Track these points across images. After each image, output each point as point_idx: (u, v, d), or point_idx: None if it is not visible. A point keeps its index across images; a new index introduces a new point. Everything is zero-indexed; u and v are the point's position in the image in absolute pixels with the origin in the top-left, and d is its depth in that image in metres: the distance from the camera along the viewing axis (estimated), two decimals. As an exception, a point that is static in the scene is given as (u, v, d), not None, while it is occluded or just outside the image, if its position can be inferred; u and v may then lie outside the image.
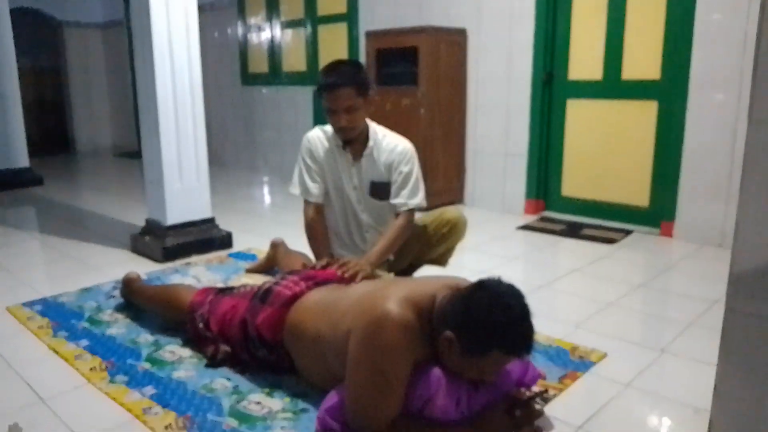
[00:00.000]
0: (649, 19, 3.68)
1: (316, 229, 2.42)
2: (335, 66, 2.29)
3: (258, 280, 2.78)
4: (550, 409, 1.75)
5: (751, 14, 3.16)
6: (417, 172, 2.41)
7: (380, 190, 2.41)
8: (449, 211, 2.54)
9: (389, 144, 2.40)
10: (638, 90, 3.79)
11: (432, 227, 2.51)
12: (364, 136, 2.39)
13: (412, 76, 4.36)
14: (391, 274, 2.57)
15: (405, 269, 2.63)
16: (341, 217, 2.50)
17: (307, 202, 2.46)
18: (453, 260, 2.64)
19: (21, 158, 5.65)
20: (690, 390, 1.87)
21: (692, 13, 3.39)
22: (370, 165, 2.40)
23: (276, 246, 2.93)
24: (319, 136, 2.45)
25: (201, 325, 2.08)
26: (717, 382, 1.44)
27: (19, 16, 6.23)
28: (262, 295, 1.93)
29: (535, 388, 1.80)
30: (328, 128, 2.44)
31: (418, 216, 2.59)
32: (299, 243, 2.65)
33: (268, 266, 2.98)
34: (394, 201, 2.39)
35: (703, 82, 3.41)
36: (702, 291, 2.74)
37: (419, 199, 2.40)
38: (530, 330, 1.46)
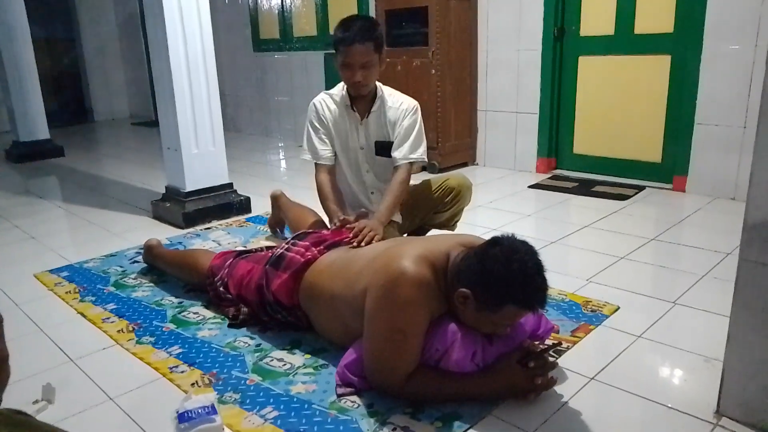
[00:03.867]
0: (665, -31, 3.59)
1: (328, 191, 2.43)
2: (352, 21, 2.28)
3: (275, 242, 2.85)
4: (564, 361, 1.79)
5: (770, -40, 3.07)
6: (419, 127, 2.42)
7: (385, 148, 2.44)
8: (453, 178, 2.55)
9: (395, 102, 2.42)
10: (651, 44, 3.73)
11: (436, 194, 2.54)
12: (372, 95, 2.41)
13: (422, 36, 4.32)
14: (404, 236, 2.61)
15: (415, 233, 2.66)
16: (349, 177, 2.54)
17: (318, 165, 2.48)
18: (466, 218, 2.67)
19: (41, 130, 5.73)
20: (702, 340, 1.90)
21: (709, -39, 3.30)
22: (376, 123, 2.43)
23: (276, 198, 2.97)
24: (325, 99, 2.47)
25: (221, 288, 2.14)
26: (730, 330, 1.47)
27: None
28: (275, 261, 1.97)
29: (549, 341, 1.84)
30: (334, 91, 2.47)
31: (424, 179, 2.61)
32: (314, 204, 2.68)
33: (277, 220, 3.05)
34: (394, 154, 2.41)
35: (717, 33, 3.35)
36: (715, 244, 2.75)
37: (419, 153, 2.41)
38: (544, 284, 1.48)
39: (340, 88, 2.46)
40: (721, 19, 3.32)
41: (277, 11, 6.23)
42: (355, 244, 1.99)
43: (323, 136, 2.46)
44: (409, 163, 2.40)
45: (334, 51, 2.32)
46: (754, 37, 3.20)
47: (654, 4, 3.68)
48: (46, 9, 7.96)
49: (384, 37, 2.36)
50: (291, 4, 6.07)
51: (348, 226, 2.12)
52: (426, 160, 2.47)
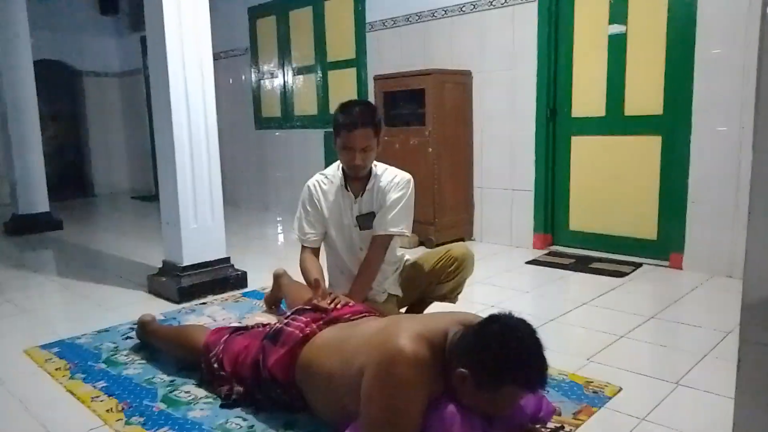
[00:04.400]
0: (650, 55, 3.76)
1: (309, 266, 2.44)
2: (352, 106, 2.35)
3: (271, 318, 2.81)
4: (565, 444, 1.74)
5: (749, 47, 3.23)
6: (407, 201, 2.43)
7: (366, 220, 2.45)
8: (456, 248, 2.56)
9: (388, 177, 2.46)
10: (642, 125, 3.85)
11: (438, 265, 2.53)
12: (367, 174, 2.45)
13: (419, 116, 4.46)
14: (402, 310, 2.59)
15: (416, 306, 2.65)
16: (344, 256, 2.52)
17: (303, 246, 2.52)
18: (463, 293, 2.65)
19: (41, 203, 5.78)
20: (707, 423, 1.85)
21: (692, 48, 3.46)
22: (369, 201, 2.45)
23: (278, 277, 2.98)
24: (320, 180, 2.51)
25: (215, 365, 2.10)
26: (735, 415, 1.43)
27: (41, 66, 6.46)
28: (273, 336, 1.95)
29: (551, 424, 1.79)
30: (329, 171, 2.52)
31: (425, 251, 2.61)
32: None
33: (275, 297, 3.03)
34: (374, 223, 2.42)
35: (705, 115, 3.47)
36: (714, 322, 2.73)
37: (401, 227, 2.41)
38: (544, 363, 1.46)
39: (335, 168, 2.51)
40: (707, 101, 3.45)
41: (279, 91, 6.45)
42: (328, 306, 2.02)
43: (312, 220, 2.49)
44: (388, 235, 2.40)
45: (333, 132, 2.38)
46: (739, 119, 3.32)
47: (643, 87, 3.83)
48: (54, 86, 8.23)
49: (382, 120, 2.44)
50: (293, 84, 6.29)
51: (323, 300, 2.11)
52: (408, 234, 2.46)
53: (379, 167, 2.49)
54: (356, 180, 2.44)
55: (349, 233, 2.50)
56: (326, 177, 2.51)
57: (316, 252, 2.52)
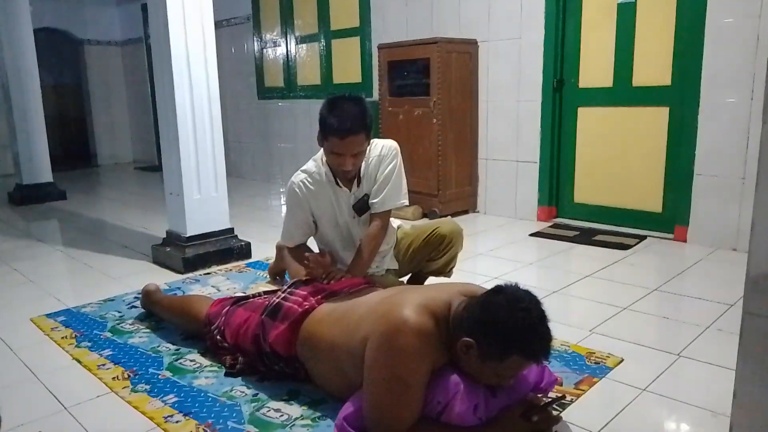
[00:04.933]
0: (659, 24, 3.69)
1: (286, 253, 2.43)
2: (343, 108, 2.12)
3: (275, 289, 2.82)
4: (568, 415, 1.76)
5: (763, 16, 3.16)
6: (398, 172, 2.35)
7: (362, 205, 2.38)
8: (443, 227, 2.51)
9: (374, 152, 2.34)
10: (649, 96, 3.80)
11: (428, 242, 2.50)
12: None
13: (424, 86, 4.41)
14: (404, 280, 2.59)
15: (414, 279, 2.65)
16: (341, 251, 2.47)
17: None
18: (467, 266, 2.66)
19: (44, 173, 5.78)
20: (708, 394, 1.86)
21: (703, 18, 3.39)
22: (365, 185, 2.37)
23: (281, 249, 2.96)
24: (304, 180, 2.35)
25: (218, 337, 2.12)
26: (736, 386, 1.43)
27: (41, 34, 6.40)
28: (272, 311, 1.95)
29: (552, 394, 1.81)
30: (312, 168, 2.36)
31: (416, 224, 2.57)
32: (315, 251, 2.67)
33: (279, 268, 3.04)
34: (371, 202, 2.36)
35: (714, 86, 3.41)
36: (718, 294, 2.73)
37: (400, 200, 2.37)
38: (548, 334, 1.47)
39: (318, 163, 2.36)
40: (717, 72, 3.39)
41: (282, 60, 6.37)
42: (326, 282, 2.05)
43: (300, 222, 2.41)
44: (387, 212, 2.37)
45: (320, 130, 2.20)
46: (749, 89, 3.27)
47: (651, 57, 3.77)
48: (56, 56, 8.17)
49: (372, 119, 2.25)
50: (296, 53, 6.21)
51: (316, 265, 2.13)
52: (407, 203, 2.42)
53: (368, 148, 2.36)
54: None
55: (346, 227, 2.42)
56: (310, 176, 2.35)
57: (303, 245, 2.48)
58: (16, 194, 5.70)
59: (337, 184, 2.33)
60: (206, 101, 3.36)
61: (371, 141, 2.32)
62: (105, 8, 8.56)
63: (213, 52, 3.37)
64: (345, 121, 2.10)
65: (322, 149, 2.29)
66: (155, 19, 3.27)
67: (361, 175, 2.34)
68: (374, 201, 2.35)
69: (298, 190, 2.35)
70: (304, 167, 2.40)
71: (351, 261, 2.37)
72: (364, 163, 2.32)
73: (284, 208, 2.47)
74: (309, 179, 2.35)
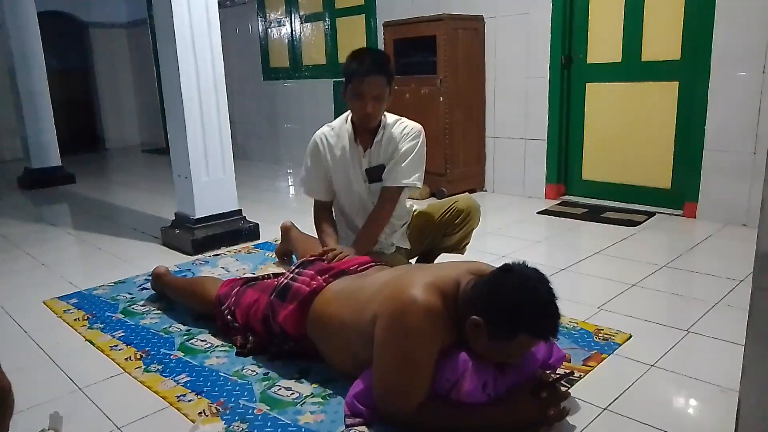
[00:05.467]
0: (670, -2, 3.62)
1: (322, 224, 2.43)
2: (365, 54, 2.26)
3: (283, 270, 2.84)
4: (576, 391, 1.76)
5: (776, -11, 3.10)
6: (418, 152, 2.35)
7: (376, 173, 2.39)
8: (461, 201, 2.52)
9: (399, 127, 2.37)
10: (658, 71, 3.74)
11: (445, 217, 2.51)
12: (377, 125, 2.36)
13: (430, 64, 4.36)
14: (412, 261, 2.60)
15: (424, 257, 2.65)
16: (352, 211, 2.48)
17: (316, 202, 2.49)
18: (475, 244, 2.65)
19: (53, 157, 5.81)
20: (716, 369, 1.87)
21: (714, -10, 3.33)
22: (378, 152, 2.37)
23: (287, 230, 2.97)
24: (328, 133, 2.42)
25: (228, 317, 2.14)
26: (745, 361, 1.43)
27: (46, 18, 6.37)
28: (281, 292, 1.96)
29: (561, 370, 1.81)
30: (336, 123, 2.43)
31: (432, 203, 2.59)
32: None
33: (286, 249, 3.05)
34: (384, 176, 2.36)
35: (725, 60, 3.36)
36: (727, 270, 2.72)
37: (413, 179, 2.35)
38: (556, 313, 1.47)
39: (342, 120, 2.41)
40: (727, 46, 3.34)
41: (287, 41, 6.33)
42: (326, 262, 2.06)
43: (320, 174, 2.44)
44: (398, 188, 2.35)
45: (344, 82, 2.29)
46: (761, 63, 3.22)
47: (661, 31, 3.71)
48: (61, 40, 8.14)
49: (394, 70, 2.34)
50: (301, 33, 6.17)
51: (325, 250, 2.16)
52: (419, 186, 2.41)
53: (389, 117, 2.40)
54: (365, 132, 2.36)
55: (357, 190, 2.42)
56: (333, 129, 2.42)
57: (329, 207, 2.49)
58: (26, 178, 5.74)
59: (355, 140, 2.37)
60: (212, 83, 3.35)
61: (399, 118, 2.41)
62: (109, -11, 8.51)
63: (217, 32, 3.35)
64: (366, 62, 2.21)
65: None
66: (159, 0, 3.25)
67: (377, 139, 2.35)
68: (386, 175, 2.36)
69: (318, 142, 2.42)
70: (330, 123, 2.47)
71: (356, 236, 2.37)
72: (383, 129, 2.34)
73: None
74: (331, 132, 2.42)
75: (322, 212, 2.48)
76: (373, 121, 2.31)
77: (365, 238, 2.34)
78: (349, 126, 2.38)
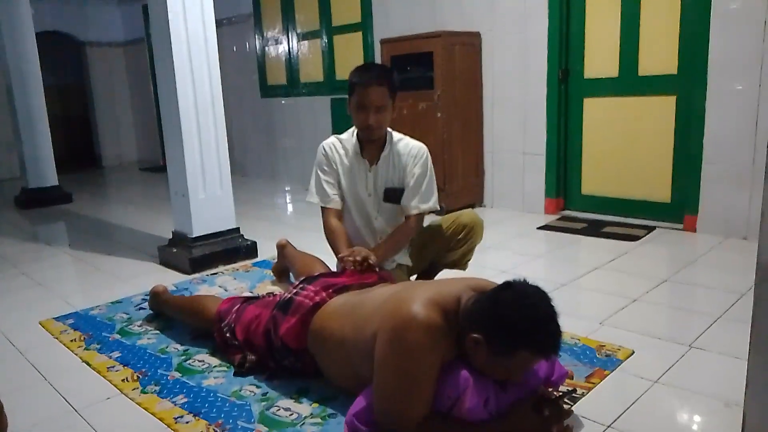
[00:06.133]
0: (664, 12, 3.65)
1: (337, 233, 2.40)
2: (369, 66, 2.34)
3: (282, 287, 2.82)
4: (579, 408, 1.75)
5: (770, 2, 3.13)
6: (430, 174, 2.42)
7: (393, 195, 2.43)
8: (465, 215, 2.53)
9: (405, 146, 2.42)
10: (656, 85, 3.76)
11: (448, 232, 2.51)
12: (382, 141, 2.40)
13: (427, 80, 4.38)
14: (413, 278, 2.59)
15: (426, 273, 2.64)
16: (358, 222, 2.50)
17: (326, 209, 2.46)
18: (475, 259, 2.64)
19: (50, 176, 5.79)
20: (720, 384, 1.85)
21: (708, 4, 3.35)
22: (385, 169, 2.41)
23: (282, 247, 2.96)
24: (335, 143, 2.46)
25: (228, 334, 2.12)
26: (749, 375, 1.42)
27: (44, 37, 6.41)
28: (284, 305, 1.95)
29: (563, 387, 1.79)
30: (344, 136, 2.47)
31: (435, 218, 2.60)
32: (320, 247, 2.66)
33: (282, 267, 3.03)
34: (405, 203, 2.41)
35: (721, 73, 3.38)
36: (729, 284, 2.70)
37: (432, 203, 2.41)
38: (558, 330, 1.46)
39: (350, 134, 2.45)
40: (724, 59, 3.35)
41: (284, 58, 6.36)
42: (351, 266, 2.07)
43: (331, 180, 2.45)
44: (420, 214, 2.41)
45: (348, 95, 2.33)
46: (757, 75, 3.23)
47: (657, 46, 3.73)
48: (59, 57, 8.18)
49: (398, 84, 2.38)
50: (298, 51, 6.20)
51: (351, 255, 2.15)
52: (438, 208, 2.47)
53: (394, 135, 2.44)
54: (371, 145, 2.39)
55: (363, 201, 2.46)
56: (341, 141, 2.46)
57: (339, 215, 2.47)
58: (22, 198, 5.72)
59: (361, 155, 2.41)
60: (209, 100, 3.36)
61: (402, 136, 2.45)
62: (106, 9, 8.56)
63: (215, 50, 3.36)
64: (369, 73, 2.28)
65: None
66: (156, 19, 3.26)
67: (383, 154, 2.39)
68: (407, 203, 2.40)
69: (327, 149, 2.46)
70: (338, 135, 2.51)
71: (379, 243, 2.40)
72: (389, 145, 2.39)
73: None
74: (339, 143, 2.47)
75: (335, 220, 2.44)
76: (375, 133, 2.32)
77: (386, 248, 2.35)
78: (355, 140, 2.42)
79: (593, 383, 1.89)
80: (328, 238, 2.43)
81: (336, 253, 2.37)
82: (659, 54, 3.72)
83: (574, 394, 1.80)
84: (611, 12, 3.89)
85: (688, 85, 3.57)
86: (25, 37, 5.48)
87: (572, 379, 1.90)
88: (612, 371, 1.97)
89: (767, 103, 3.20)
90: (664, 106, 3.73)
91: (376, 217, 2.47)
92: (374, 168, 2.41)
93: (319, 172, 2.47)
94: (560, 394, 1.67)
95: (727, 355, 2.04)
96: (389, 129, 2.43)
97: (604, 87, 4.03)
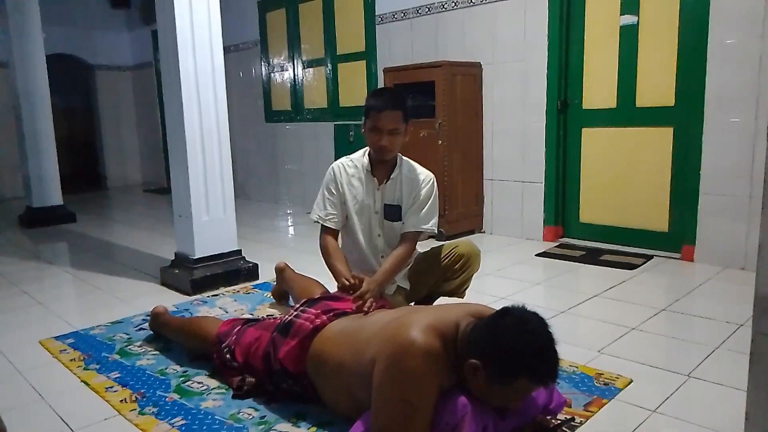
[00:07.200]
0: (662, 45, 3.72)
1: (333, 251, 2.47)
2: (385, 91, 2.46)
3: (281, 310, 2.83)
4: (576, 436, 1.74)
5: (765, 36, 3.19)
6: (434, 198, 2.49)
7: (394, 212, 2.49)
8: (462, 245, 2.55)
9: (413, 171, 2.51)
10: (653, 117, 3.82)
11: (445, 261, 2.54)
12: (393, 163, 2.48)
13: (429, 108, 4.44)
14: (411, 304, 2.60)
15: (424, 299, 2.65)
16: (362, 239, 2.53)
17: (324, 228, 2.53)
18: (473, 286, 2.65)
19: (54, 196, 5.83)
20: (719, 416, 1.84)
21: (705, 38, 3.42)
22: (392, 190, 2.48)
23: (281, 271, 2.98)
24: (345, 163, 2.54)
25: (227, 356, 2.12)
26: (748, 408, 1.42)
27: (54, 60, 6.51)
28: (283, 328, 1.96)
29: (561, 415, 1.79)
30: (355, 156, 2.55)
31: (434, 245, 2.63)
32: (320, 270, 2.68)
33: (282, 289, 3.05)
34: (405, 221, 2.46)
35: (718, 106, 3.43)
36: (727, 314, 2.71)
37: (430, 225, 2.46)
38: (556, 357, 1.47)
39: (361, 154, 2.54)
40: (720, 92, 3.41)
41: (289, 84, 6.45)
42: (357, 310, 2.02)
43: (335, 202, 2.51)
44: (417, 232, 2.45)
45: (363, 117, 2.42)
46: (753, 108, 3.28)
47: (654, 78, 3.79)
48: (67, 80, 8.30)
49: (410, 109, 2.47)
50: (303, 77, 6.29)
51: (353, 296, 2.12)
52: (436, 231, 2.52)
53: (405, 160, 2.53)
54: (381, 166, 2.47)
55: (369, 218, 2.52)
56: (352, 161, 2.54)
57: (335, 235, 2.54)
58: (26, 217, 5.75)
59: (372, 173, 2.48)
60: (215, 125, 3.41)
61: (411, 162, 2.55)
62: (116, 34, 8.72)
63: (222, 77, 3.43)
64: (384, 98, 2.38)
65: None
66: (165, 45, 3.33)
67: (393, 176, 2.47)
68: (406, 220, 2.46)
69: (337, 169, 2.53)
70: (350, 155, 2.60)
71: (378, 270, 2.40)
72: (398, 168, 2.47)
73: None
74: (350, 163, 2.55)
75: (331, 240, 2.52)
76: (388, 154, 2.41)
77: (385, 274, 2.37)
78: (366, 160, 2.51)
79: (591, 412, 1.89)
80: (324, 257, 2.50)
81: (334, 273, 2.42)
82: (657, 86, 3.78)
83: (572, 423, 1.80)
84: (610, 44, 3.97)
85: (685, 116, 3.63)
86: (35, 60, 5.57)
87: (570, 407, 1.90)
88: (610, 400, 1.96)
89: (764, 135, 3.24)
90: (662, 137, 3.78)
91: (379, 234, 2.53)
92: (382, 187, 2.48)
93: (325, 192, 2.54)
94: (558, 422, 1.67)
95: (726, 386, 2.04)
96: (401, 155, 2.50)
97: (602, 118, 4.08)
